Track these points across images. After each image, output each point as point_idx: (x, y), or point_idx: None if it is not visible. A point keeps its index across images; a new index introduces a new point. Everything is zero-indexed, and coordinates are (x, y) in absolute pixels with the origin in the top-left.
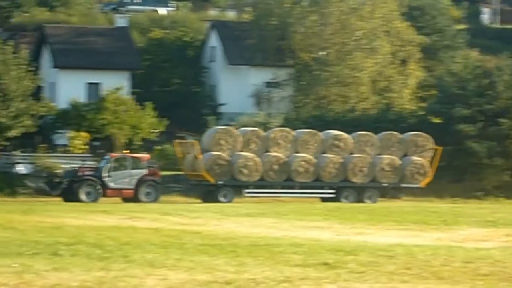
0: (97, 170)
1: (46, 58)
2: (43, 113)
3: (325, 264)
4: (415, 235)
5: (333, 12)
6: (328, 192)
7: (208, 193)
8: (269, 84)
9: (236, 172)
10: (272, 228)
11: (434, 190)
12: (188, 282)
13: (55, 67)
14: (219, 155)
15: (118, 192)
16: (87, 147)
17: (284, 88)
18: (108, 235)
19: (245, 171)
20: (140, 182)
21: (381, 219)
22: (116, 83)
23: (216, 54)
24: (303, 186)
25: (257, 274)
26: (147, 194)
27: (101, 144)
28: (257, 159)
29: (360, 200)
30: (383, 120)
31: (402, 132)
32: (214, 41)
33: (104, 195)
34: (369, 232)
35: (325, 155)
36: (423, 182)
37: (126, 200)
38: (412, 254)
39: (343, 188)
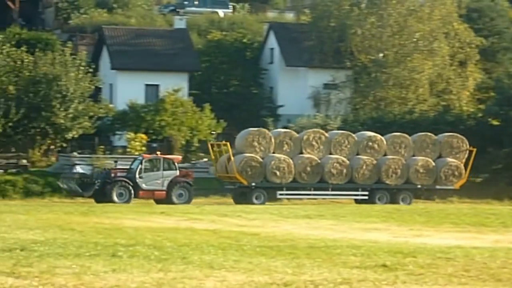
0: (130, 171)
1: (104, 60)
2: (102, 115)
3: (384, 266)
4: (473, 237)
5: (392, 14)
6: (361, 194)
7: (241, 194)
8: (327, 86)
9: (269, 174)
10: (330, 230)
11: (492, 192)
12: (246, 283)
13: (114, 68)
14: (251, 156)
15: (150, 193)
16: (145, 148)
17: (342, 90)
18: (167, 237)
19: (278, 172)
20: (172, 183)
21: (439, 221)
22: (174, 85)
23: (275, 55)
24: (336, 187)
25: (315, 276)
26: (180, 195)
27: (159, 145)
28: (290, 160)
29: (393, 202)
30: (442, 122)
31: (461, 134)
32: (272, 42)
33: (136, 197)
34: (427, 234)
35: (358, 156)
36: (457, 184)
37: (158, 201)
38: (471, 256)
39: (377, 189)
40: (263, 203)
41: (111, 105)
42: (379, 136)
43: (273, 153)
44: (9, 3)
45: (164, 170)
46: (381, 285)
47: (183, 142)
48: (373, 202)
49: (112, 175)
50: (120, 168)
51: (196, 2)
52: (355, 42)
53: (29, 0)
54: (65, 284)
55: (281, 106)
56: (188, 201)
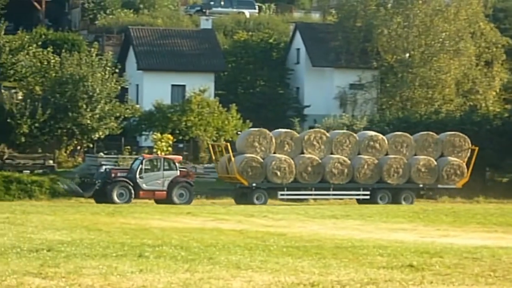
0: (130, 172)
1: (131, 60)
2: (128, 115)
3: (410, 266)
4: (500, 237)
5: (418, 14)
6: (363, 194)
7: (242, 195)
8: (353, 86)
9: (270, 174)
10: (357, 230)
11: None
12: (273, 284)
13: (140, 69)
14: (252, 157)
15: (150, 194)
16: (171, 149)
17: (369, 90)
18: (193, 237)
19: (279, 173)
20: (173, 183)
21: (466, 221)
22: (200, 85)
23: (301, 56)
24: (338, 187)
25: (342, 276)
26: (180, 195)
27: (186, 146)
28: (291, 160)
29: (395, 202)
30: (468, 122)
31: (486, 134)
32: (298, 43)
33: (137, 197)
34: (454, 234)
35: (359, 156)
36: (459, 183)
37: (159, 201)
38: (497, 256)
39: (378, 189)
40: (264, 204)
41: (137, 106)
42: (380, 135)
43: (274, 153)
44: (36, 4)
45: (164, 170)
46: (408, 285)
47: (209, 143)
48: (375, 202)
49: (113, 175)
50: (120, 168)
51: (222, 3)
52: (381, 42)
53: (56, 0)
54: (92, 285)
55: (307, 106)
56: (188, 202)
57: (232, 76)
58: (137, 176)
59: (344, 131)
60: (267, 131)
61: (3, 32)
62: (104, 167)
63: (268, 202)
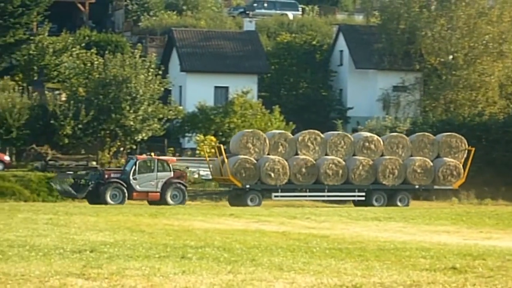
0: (123, 173)
1: (174, 62)
2: (171, 117)
3: (453, 268)
4: None
5: (461, 16)
6: (358, 195)
7: (236, 197)
8: (396, 88)
9: (264, 176)
10: (399, 232)
11: None
12: (315, 285)
13: (183, 70)
14: (245, 158)
15: (144, 195)
16: (214, 150)
17: (412, 92)
18: (236, 239)
19: (272, 174)
20: (166, 184)
21: (509, 224)
22: (243, 87)
23: (344, 58)
24: (332, 188)
25: (385, 278)
26: (174, 196)
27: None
28: (284, 162)
29: (391, 203)
30: (511, 125)
31: None
32: (341, 45)
33: (130, 198)
34: (497, 236)
35: (354, 157)
36: (456, 184)
37: (152, 203)
38: None
39: (374, 190)
40: (258, 205)
41: (180, 107)
42: (375, 136)
43: (268, 154)
44: (79, 6)
45: (158, 171)
46: (451, 287)
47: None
48: (370, 203)
49: (106, 176)
50: (113, 169)
51: (265, 4)
52: (424, 44)
53: (99, 2)
54: (134, 286)
55: (351, 108)
56: (182, 202)
57: (275, 78)
58: (131, 177)
59: (339, 132)
60: (261, 132)
61: (47, 34)
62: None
63: (262, 204)
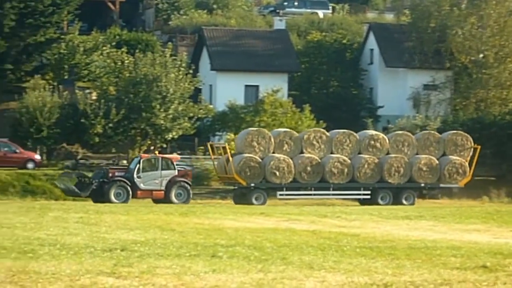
0: (128, 171)
1: (204, 61)
2: (201, 116)
3: (484, 267)
4: None
5: (491, 15)
6: (364, 194)
7: (241, 195)
8: (427, 87)
9: (268, 174)
10: (430, 231)
11: None
12: (346, 284)
13: (213, 69)
14: (250, 157)
15: (148, 193)
16: None
17: (442, 91)
18: (266, 237)
19: (277, 172)
20: (171, 183)
21: None
22: (274, 86)
23: (374, 56)
24: (338, 187)
25: (415, 277)
26: (178, 195)
27: None
28: (290, 160)
29: (396, 201)
30: None
31: None
32: (372, 43)
33: (134, 196)
34: None
35: (360, 155)
36: (462, 182)
37: (157, 201)
38: None
39: (379, 189)
40: (263, 204)
41: (210, 106)
42: (381, 134)
43: (273, 153)
44: (110, 5)
45: (162, 169)
46: (481, 286)
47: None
48: (375, 202)
49: (110, 174)
50: (118, 168)
51: (296, 3)
52: (455, 42)
53: (130, 1)
54: (165, 284)
55: (381, 107)
56: (186, 201)
57: (305, 76)
58: (135, 175)
59: (344, 130)
60: (266, 131)
61: (77, 33)
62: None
63: (267, 203)
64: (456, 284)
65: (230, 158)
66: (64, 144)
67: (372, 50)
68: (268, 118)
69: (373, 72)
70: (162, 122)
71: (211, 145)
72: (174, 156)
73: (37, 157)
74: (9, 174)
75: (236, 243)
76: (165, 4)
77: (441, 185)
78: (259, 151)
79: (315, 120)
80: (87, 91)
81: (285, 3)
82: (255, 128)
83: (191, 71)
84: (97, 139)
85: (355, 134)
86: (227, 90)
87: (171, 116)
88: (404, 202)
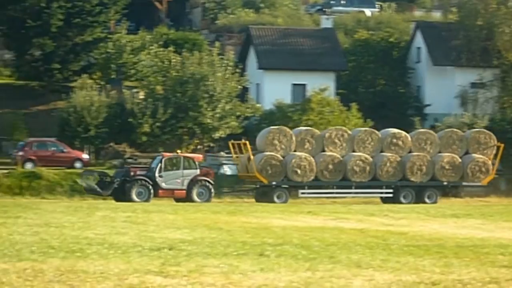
0: (149, 170)
1: (251, 60)
2: (249, 114)
3: None
4: None
5: None
6: (386, 192)
7: (262, 194)
8: (474, 85)
9: (290, 172)
10: (478, 229)
11: None
12: (394, 282)
13: (261, 68)
14: (271, 155)
15: (170, 193)
16: None
17: (490, 89)
18: (314, 236)
19: (299, 171)
20: (193, 182)
21: None
22: (321, 84)
23: (421, 55)
24: (360, 185)
25: (463, 275)
26: (200, 194)
27: None
28: (311, 158)
29: (419, 199)
30: None
31: None
32: (419, 42)
33: (156, 196)
34: None
35: (382, 153)
36: (485, 180)
37: (178, 200)
38: None
39: (401, 187)
40: (285, 202)
41: (258, 105)
42: (403, 133)
43: (295, 151)
44: (157, 4)
45: (184, 169)
46: None
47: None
48: (398, 200)
49: (132, 173)
50: (139, 167)
51: (343, 2)
52: (502, 40)
53: (177, 0)
54: (213, 283)
55: (428, 105)
56: (208, 200)
57: (352, 75)
58: (157, 175)
59: (366, 128)
60: (287, 129)
61: (124, 32)
62: (225, 166)
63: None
64: (504, 282)
65: (252, 157)
66: (112, 144)
67: (419, 48)
68: (316, 117)
69: (420, 70)
70: (209, 121)
71: (232, 143)
72: (197, 155)
73: (85, 156)
74: (57, 173)
75: (284, 242)
76: (212, 3)
77: (464, 183)
78: (281, 149)
79: (362, 118)
80: (135, 90)
81: (332, 2)
82: (276, 127)
83: (238, 70)
84: (144, 138)
85: (377, 132)
86: (274, 89)
87: (218, 115)
88: (427, 200)
